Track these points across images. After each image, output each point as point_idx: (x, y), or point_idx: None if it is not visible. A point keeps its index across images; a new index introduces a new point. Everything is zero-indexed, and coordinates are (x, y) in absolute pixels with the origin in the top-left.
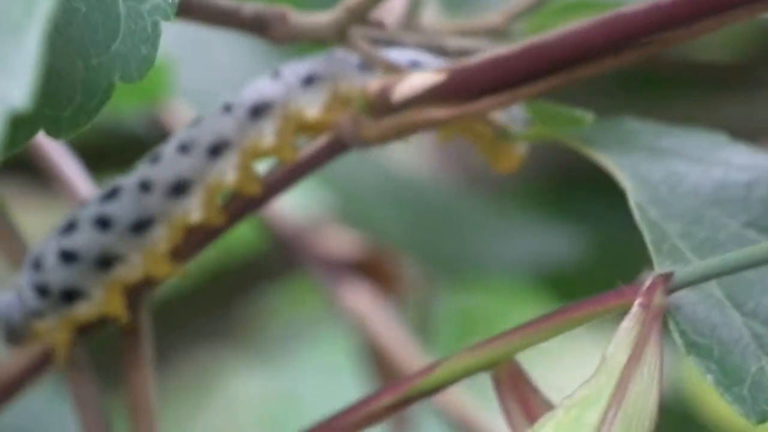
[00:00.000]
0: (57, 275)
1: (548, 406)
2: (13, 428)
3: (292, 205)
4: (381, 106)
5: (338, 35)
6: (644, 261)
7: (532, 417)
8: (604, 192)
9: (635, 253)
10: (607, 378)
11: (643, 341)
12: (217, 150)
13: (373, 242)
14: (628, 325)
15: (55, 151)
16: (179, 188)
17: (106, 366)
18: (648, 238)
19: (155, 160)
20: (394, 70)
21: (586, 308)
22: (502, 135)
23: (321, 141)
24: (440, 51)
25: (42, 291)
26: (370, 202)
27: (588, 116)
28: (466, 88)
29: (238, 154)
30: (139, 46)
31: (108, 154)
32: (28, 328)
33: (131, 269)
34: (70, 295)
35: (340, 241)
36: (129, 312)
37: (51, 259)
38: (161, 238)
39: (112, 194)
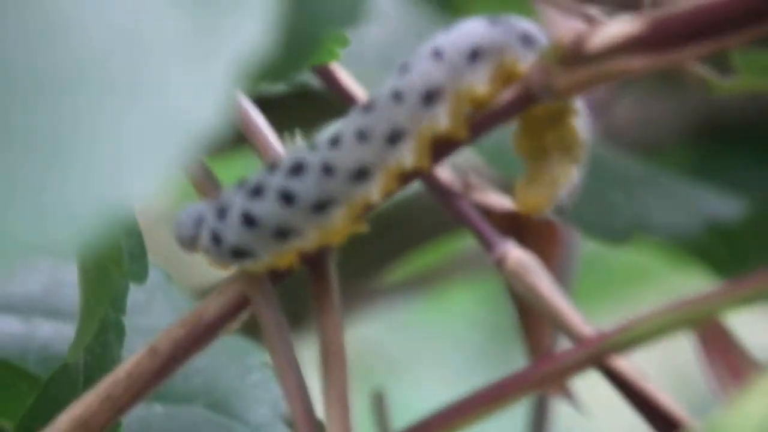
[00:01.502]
0: (233, 233)
1: (758, 369)
2: (206, 368)
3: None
4: (574, 56)
5: None
6: None
7: (740, 379)
8: (754, 152)
9: None
10: None
11: None
12: (394, 138)
13: None
14: None
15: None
16: (361, 175)
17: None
18: None
19: (335, 143)
20: (591, 21)
21: None
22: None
23: (509, 93)
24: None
25: (216, 239)
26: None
27: None
28: (666, 36)
29: (415, 140)
30: None
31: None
32: (193, 249)
33: (306, 242)
34: (239, 253)
35: (496, 197)
36: (316, 259)
37: (233, 216)
38: (341, 217)
39: (297, 169)
